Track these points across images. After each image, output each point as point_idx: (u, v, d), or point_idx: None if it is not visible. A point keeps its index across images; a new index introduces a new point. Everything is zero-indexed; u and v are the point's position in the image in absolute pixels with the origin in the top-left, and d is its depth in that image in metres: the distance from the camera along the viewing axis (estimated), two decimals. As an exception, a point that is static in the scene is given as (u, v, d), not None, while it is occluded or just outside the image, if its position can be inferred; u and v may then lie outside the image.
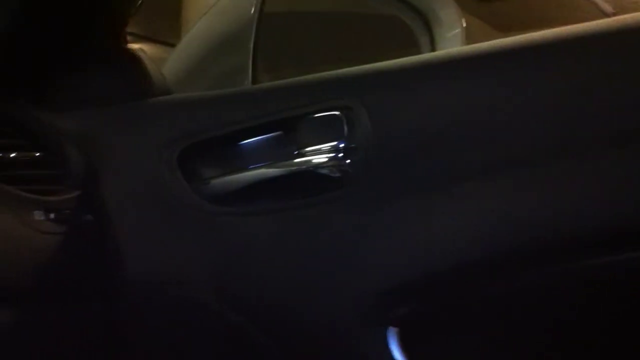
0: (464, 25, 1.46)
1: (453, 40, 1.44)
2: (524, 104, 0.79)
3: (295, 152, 0.85)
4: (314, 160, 0.84)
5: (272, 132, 0.88)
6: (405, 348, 0.82)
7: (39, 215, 0.80)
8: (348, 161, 0.83)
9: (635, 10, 0.83)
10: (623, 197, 0.76)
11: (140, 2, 0.96)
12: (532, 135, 0.78)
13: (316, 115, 0.85)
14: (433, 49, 1.46)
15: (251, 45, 1.23)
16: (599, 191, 0.76)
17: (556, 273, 0.78)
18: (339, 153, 0.84)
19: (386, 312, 0.81)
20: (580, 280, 0.79)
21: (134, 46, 1.00)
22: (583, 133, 0.77)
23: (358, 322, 0.82)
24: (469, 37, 1.46)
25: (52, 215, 0.82)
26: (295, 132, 0.86)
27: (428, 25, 1.48)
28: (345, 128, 0.83)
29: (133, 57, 0.99)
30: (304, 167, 0.85)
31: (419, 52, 1.44)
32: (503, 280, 0.80)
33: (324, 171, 0.84)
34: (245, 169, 0.88)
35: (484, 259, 0.78)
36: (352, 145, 0.83)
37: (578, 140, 0.77)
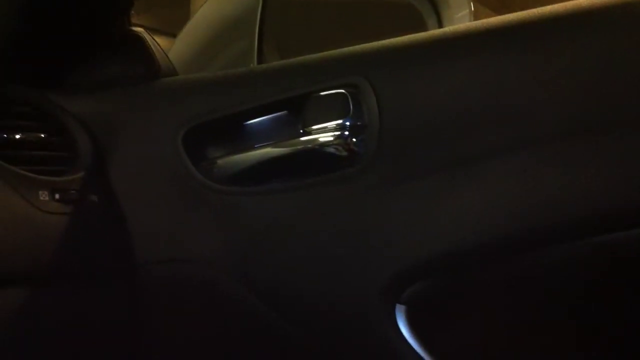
0: (472, 7, 1.45)
1: (461, 21, 1.43)
2: (538, 82, 0.77)
3: (301, 131, 0.85)
4: (320, 139, 0.84)
5: (278, 112, 0.87)
6: (415, 327, 0.81)
7: (44, 196, 0.80)
8: (354, 140, 0.83)
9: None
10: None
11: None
12: (548, 114, 0.76)
13: (322, 93, 0.84)
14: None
15: (257, 30, 1.23)
16: (618, 171, 0.74)
17: (573, 252, 0.77)
18: (345, 131, 0.83)
19: (400, 292, 0.81)
20: (597, 258, 0.77)
21: (138, 29, 1.00)
22: (601, 111, 0.75)
23: (375, 301, 0.81)
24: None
25: (57, 196, 0.82)
26: (301, 111, 0.85)
27: (436, 8, 1.47)
28: (351, 106, 0.82)
29: (138, 39, 0.99)
30: (310, 146, 0.84)
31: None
32: (517, 260, 0.79)
33: (331, 150, 0.83)
34: (252, 148, 0.88)
35: (498, 238, 0.77)
36: (359, 124, 0.82)
37: (596, 118, 0.75)
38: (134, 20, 1.02)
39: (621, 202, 0.74)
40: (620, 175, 0.74)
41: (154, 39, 1.01)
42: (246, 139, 0.89)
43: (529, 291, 0.81)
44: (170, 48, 1.42)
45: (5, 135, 0.83)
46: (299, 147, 0.85)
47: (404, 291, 0.80)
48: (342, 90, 0.83)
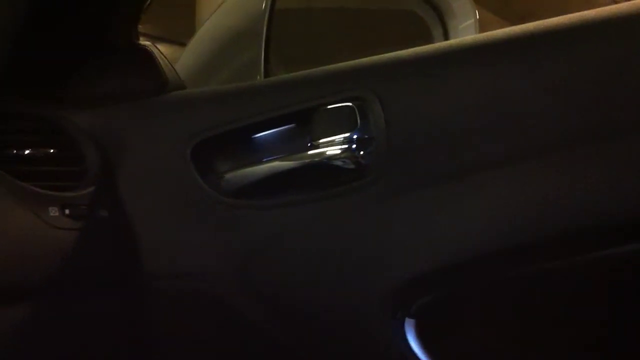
0: (477, 16, 1.45)
1: (466, 31, 1.43)
2: (541, 93, 0.77)
3: (309, 144, 0.85)
4: (328, 152, 0.84)
5: (285, 125, 0.88)
6: (422, 339, 0.81)
7: (54, 212, 0.81)
8: (362, 152, 0.83)
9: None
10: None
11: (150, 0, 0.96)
12: (552, 124, 0.77)
13: (329, 107, 0.85)
14: (446, 41, 1.45)
15: (263, 41, 1.23)
16: (621, 178, 0.75)
17: (578, 261, 0.77)
18: (353, 144, 0.83)
19: (406, 303, 0.81)
20: (604, 268, 0.77)
21: (146, 43, 1.01)
22: (601, 121, 0.76)
23: (380, 314, 0.82)
24: (483, 31, 1.44)
25: (67, 211, 0.82)
26: (308, 125, 0.86)
27: (441, 17, 1.48)
28: (358, 119, 0.83)
29: (146, 53, 1.00)
30: (317, 159, 0.85)
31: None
32: (522, 271, 0.79)
33: (339, 163, 0.84)
34: (260, 161, 0.88)
35: (504, 248, 0.77)
36: (366, 137, 0.83)
37: (599, 127, 0.76)
38: (139, 29, 1.02)
39: (623, 212, 0.74)
40: (622, 184, 0.74)
41: (161, 52, 1.01)
42: (254, 153, 0.89)
43: (537, 301, 0.81)
44: (176, 56, 1.43)
45: (15, 151, 0.84)
46: (306, 160, 0.86)
47: (412, 304, 0.80)
48: (350, 104, 0.83)
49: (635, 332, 0.81)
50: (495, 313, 0.83)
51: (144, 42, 1.02)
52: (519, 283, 0.80)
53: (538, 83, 0.78)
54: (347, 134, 0.83)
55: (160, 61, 1.00)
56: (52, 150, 0.88)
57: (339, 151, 0.83)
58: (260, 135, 0.89)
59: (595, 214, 0.75)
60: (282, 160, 0.87)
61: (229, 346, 0.91)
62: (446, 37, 1.47)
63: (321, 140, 0.84)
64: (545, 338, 0.82)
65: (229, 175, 0.90)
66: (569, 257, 0.77)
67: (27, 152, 0.85)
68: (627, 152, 0.74)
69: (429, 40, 1.47)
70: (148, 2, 0.96)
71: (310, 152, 0.85)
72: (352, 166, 0.83)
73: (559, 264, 0.78)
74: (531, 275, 0.79)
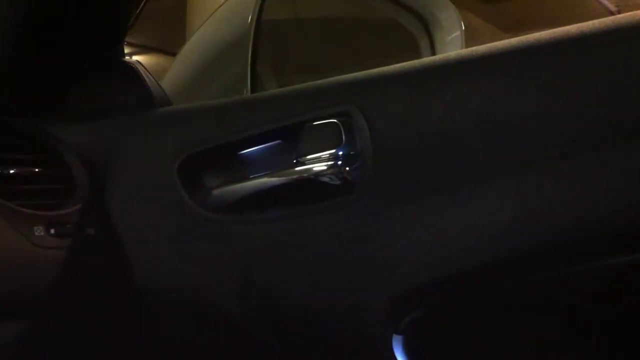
0: (463, 28, 1.45)
1: (453, 43, 1.44)
2: (529, 103, 0.77)
3: (295, 161, 0.85)
4: (314, 169, 0.84)
5: (271, 141, 0.88)
6: (413, 352, 0.81)
7: (39, 231, 0.80)
8: (348, 169, 0.83)
9: (638, 7, 0.80)
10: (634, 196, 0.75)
11: (134, 17, 0.96)
12: (540, 135, 0.77)
13: (314, 123, 0.85)
14: (433, 52, 1.45)
15: (249, 53, 1.23)
16: (614, 187, 0.74)
17: (572, 272, 0.77)
18: (338, 160, 0.83)
19: (396, 318, 0.81)
20: (598, 278, 0.77)
21: (131, 59, 1.01)
22: (596, 130, 0.75)
23: (371, 329, 0.82)
24: (475, 38, 1.45)
25: (52, 230, 0.82)
26: (294, 141, 0.86)
27: (428, 29, 1.48)
28: (343, 135, 0.83)
29: (131, 69, 1.00)
30: (304, 175, 0.85)
31: (419, 56, 1.44)
32: (517, 282, 0.79)
33: (325, 179, 0.84)
34: (246, 178, 0.89)
35: (495, 260, 0.77)
36: (352, 153, 0.83)
37: (592, 136, 0.75)
38: (129, 38, 1.02)
39: (619, 221, 0.74)
40: (617, 193, 0.74)
41: (145, 69, 1.01)
42: (240, 169, 0.89)
43: (530, 313, 0.81)
44: (166, 66, 1.43)
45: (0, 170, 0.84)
46: (293, 177, 0.86)
47: (401, 320, 0.80)
48: (335, 120, 0.83)
49: (633, 341, 0.81)
50: (487, 327, 0.82)
51: (128, 58, 1.02)
52: (513, 295, 0.79)
53: (526, 96, 0.78)
54: (333, 150, 0.83)
55: (145, 77, 1.00)
56: (37, 169, 0.88)
57: (325, 167, 0.84)
58: (247, 152, 0.89)
59: (590, 224, 0.75)
60: (269, 177, 0.87)
61: (224, 354, 0.91)
62: (432, 48, 1.47)
63: (307, 157, 0.85)
64: (538, 349, 0.82)
65: (216, 192, 0.90)
66: (564, 267, 0.77)
67: (12, 171, 0.85)
68: (622, 160, 0.74)
69: (415, 50, 1.47)
70: (132, 21, 0.96)
71: (296, 169, 0.85)
72: (338, 182, 0.83)
73: (553, 275, 0.78)
74: (526, 287, 0.79)
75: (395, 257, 0.80)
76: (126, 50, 1.03)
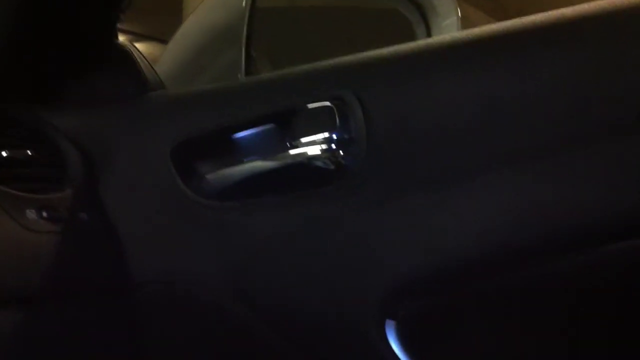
0: (459, 14, 1.44)
1: (449, 29, 1.43)
2: (527, 94, 0.76)
3: (289, 145, 0.85)
4: (308, 153, 0.83)
5: (265, 125, 0.87)
6: (407, 344, 0.81)
7: (31, 214, 0.80)
8: (342, 153, 0.82)
9: None
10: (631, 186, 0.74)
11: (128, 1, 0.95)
12: (538, 127, 0.75)
13: (308, 106, 0.84)
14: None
15: (243, 40, 1.22)
16: (611, 180, 0.73)
17: (566, 266, 0.76)
18: (333, 144, 0.82)
19: (392, 308, 0.80)
20: (594, 272, 0.77)
21: (125, 43, 1.00)
22: (592, 123, 0.74)
23: (366, 317, 0.81)
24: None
25: (45, 214, 0.81)
26: (288, 125, 0.85)
27: (424, 15, 1.47)
28: (338, 119, 0.82)
29: (125, 54, 0.99)
30: (298, 159, 0.84)
31: (415, 43, 1.43)
32: (511, 275, 0.78)
33: (319, 163, 0.83)
34: (240, 162, 0.88)
35: (491, 253, 0.76)
36: (346, 137, 0.82)
37: (593, 128, 0.74)
38: (123, 26, 1.01)
39: (613, 214, 0.73)
40: (610, 186, 0.73)
41: (140, 52, 1.00)
42: (234, 153, 0.89)
43: (524, 307, 0.80)
44: (161, 55, 1.42)
45: None
46: (287, 160, 0.85)
47: (396, 307, 0.80)
48: (328, 103, 0.83)
49: (633, 334, 0.81)
50: (482, 319, 0.82)
51: (123, 42, 1.01)
52: (507, 288, 0.79)
53: (528, 82, 0.76)
54: (327, 134, 0.83)
55: (140, 61, 0.99)
56: (30, 153, 0.87)
57: (319, 152, 0.83)
58: (240, 136, 0.88)
59: (585, 218, 0.74)
60: (262, 161, 0.87)
61: (221, 350, 0.91)
62: (429, 35, 1.47)
63: (301, 140, 0.84)
64: (534, 343, 0.82)
65: (210, 177, 0.90)
66: (557, 262, 0.76)
67: (4, 154, 0.84)
68: (623, 153, 0.73)
69: (412, 38, 1.47)
70: (126, 2, 0.95)
71: (290, 153, 0.85)
72: (332, 167, 0.83)
73: (547, 269, 0.77)
74: (520, 281, 0.78)
75: (390, 246, 0.80)
76: (120, 39, 1.02)
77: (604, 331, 0.80)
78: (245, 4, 1.25)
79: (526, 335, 0.81)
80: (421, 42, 0.87)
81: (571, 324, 0.80)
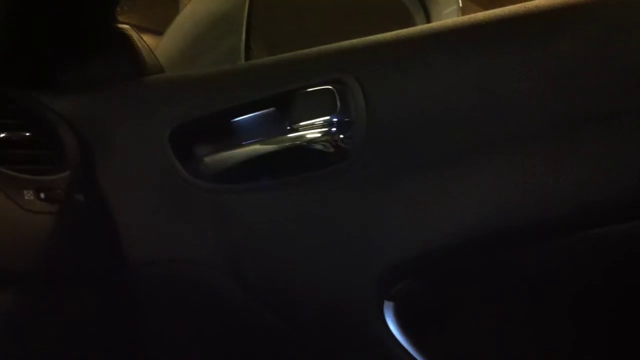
0: (460, 3, 1.44)
1: (449, 17, 1.43)
2: (525, 77, 0.76)
3: (289, 128, 0.84)
4: (307, 136, 0.83)
5: (265, 109, 0.87)
6: (404, 324, 0.81)
7: (29, 195, 0.80)
8: (342, 136, 0.82)
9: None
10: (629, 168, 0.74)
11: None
12: (536, 109, 0.76)
13: (308, 90, 0.84)
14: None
15: (244, 25, 1.22)
16: (607, 162, 0.73)
17: (563, 246, 0.77)
18: (333, 127, 0.82)
19: (389, 289, 0.80)
20: (588, 252, 0.77)
21: (124, 26, 0.99)
22: (590, 105, 0.74)
23: (363, 298, 0.81)
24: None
25: (42, 195, 0.81)
26: (288, 108, 0.85)
27: (423, 3, 1.47)
28: (338, 102, 0.82)
29: (124, 37, 0.99)
30: (297, 142, 0.84)
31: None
32: (508, 256, 0.78)
33: (318, 146, 0.83)
34: (239, 145, 0.88)
35: (488, 233, 0.77)
36: (346, 120, 0.82)
37: (585, 112, 0.74)
38: (121, 18, 1.01)
39: (610, 196, 0.74)
40: (609, 168, 0.73)
41: (140, 36, 1.00)
42: (233, 137, 0.88)
43: (520, 287, 0.81)
44: (158, 45, 1.41)
45: None
46: (286, 144, 0.85)
47: (392, 287, 0.80)
48: (329, 87, 0.83)
49: (625, 322, 0.81)
50: (479, 299, 0.82)
51: (122, 26, 1.00)
52: (505, 269, 0.79)
53: (526, 65, 0.76)
54: (327, 117, 0.82)
55: (139, 45, 0.99)
56: (28, 134, 0.87)
57: (319, 135, 0.83)
58: (240, 120, 0.88)
59: (581, 200, 0.74)
60: (262, 144, 0.87)
61: (219, 331, 0.91)
62: (428, 22, 1.46)
63: (301, 124, 0.84)
64: (529, 324, 0.82)
65: (208, 160, 0.89)
66: (554, 242, 0.77)
67: (2, 135, 0.84)
68: (612, 138, 0.73)
69: (410, 24, 1.46)
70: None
71: (290, 136, 0.84)
72: (332, 150, 0.83)
73: (544, 249, 0.77)
74: (516, 261, 0.78)
75: (389, 228, 0.80)
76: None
77: (604, 311, 0.80)
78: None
79: (524, 316, 0.81)
80: (422, 27, 0.87)
81: (571, 303, 0.80)
